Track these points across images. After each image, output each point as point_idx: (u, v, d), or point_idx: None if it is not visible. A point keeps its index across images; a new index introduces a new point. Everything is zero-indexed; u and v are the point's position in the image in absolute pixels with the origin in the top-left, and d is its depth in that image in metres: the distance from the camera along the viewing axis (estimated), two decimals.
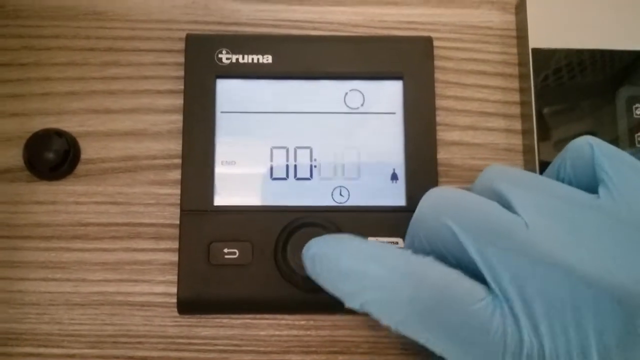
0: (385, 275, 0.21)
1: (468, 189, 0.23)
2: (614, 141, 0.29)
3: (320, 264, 0.22)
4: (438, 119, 0.30)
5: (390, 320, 0.21)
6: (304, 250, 0.23)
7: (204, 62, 0.29)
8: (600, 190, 0.21)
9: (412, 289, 0.20)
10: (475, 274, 0.20)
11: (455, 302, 0.19)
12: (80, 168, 0.29)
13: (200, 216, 0.28)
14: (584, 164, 0.22)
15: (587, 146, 0.22)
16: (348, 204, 0.29)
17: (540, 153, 0.29)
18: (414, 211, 0.23)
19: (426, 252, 0.22)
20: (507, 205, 0.21)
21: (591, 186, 0.22)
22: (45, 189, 0.29)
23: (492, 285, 0.20)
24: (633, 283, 0.18)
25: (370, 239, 0.28)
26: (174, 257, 0.28)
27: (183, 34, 0.30)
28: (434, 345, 0.20)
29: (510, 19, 0.32)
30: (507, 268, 0.19)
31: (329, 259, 0.22)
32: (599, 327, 0.18)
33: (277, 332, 0.28)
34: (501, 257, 0.19)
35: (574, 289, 0.18)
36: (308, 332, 0.28)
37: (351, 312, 0.27)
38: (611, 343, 0.18)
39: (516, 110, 0.31)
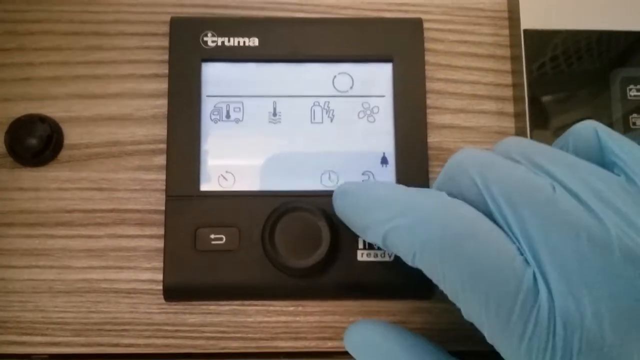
0: (419, 202, 0.21)
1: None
2: (609, 123, 0.29)
3: (353, 196, 0.24)
4: (428, 102, 0.29)
5: (410, 250, 0.21)
6: (336, 189, 0.25)
7: (189, 46, 0.29)
8: (616, 171, 0.21)
9: (443, 217, 0.20)
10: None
11: (483, 237, 0.19)
12: (63, 154, 0.29)
13: (186, 202, 0.27)
14: (588, 147, 0.22)
15: (591, 130, 0.22)
16: None
17: (533, 136, 0.28)
18: None
19: None
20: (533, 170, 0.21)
21: None
22: (28, 175, 0.28)
23: (518, 235, 0.19)
24: None
25: None
26: (160, 244, 0.27)
27: (168, 17, 0.29)
28: (448, 281, 0.20)
29: (501, 0, 0.31)
30: (533, 224, 0.19)
31: (361, 191, 0.24)
32: (613, 290, 0.18)
33: (265, 319, 0.27)
34: (528, 213, 0.19)
35: (592, 252, 0.18)
36: (297, 318, 0.27)
37: (340, 297, 0.27)
38: (624, 306, 0.18)
39: (508, 92, 0.30)
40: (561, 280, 0.18)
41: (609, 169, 0.21)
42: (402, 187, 0.23)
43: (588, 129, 0.22)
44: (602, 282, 0.18)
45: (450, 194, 0.22)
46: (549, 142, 0.24)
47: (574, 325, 0.18)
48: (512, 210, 0.20)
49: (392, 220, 0.21)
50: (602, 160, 0.21)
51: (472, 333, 0.21)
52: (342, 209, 0.24)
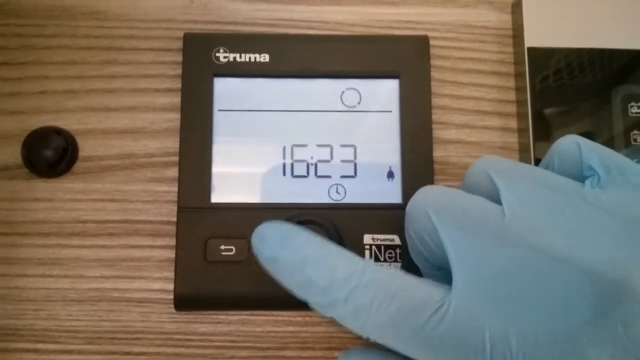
0: (350, 289, 0.21)
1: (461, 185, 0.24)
2: (610, 139, 0.29)
3: (283, 270, 0.22)
4: (434, 117, 0.30)
5: (362, 333, 0.21)
6: (254, 239, 0.22)
7: (202, 61, 0.29)
8: (586, 182, 0.22)
9: (376, 302, 0.20)
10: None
11: (415, 312, 0.20)
12: (78, 166, 0.29)
13: (197, 213, 0.28)
14: (571, 161, 0.22)
15: (573, 144, 0.22)
16: (344, 201, 0.29)
17: (536, 151, 0.29)
18: None
19: (415, 245, 0.22)
20: (496, 195, 0.21)
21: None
22: (43, 187, 0.29)
23: (455, 269, 0.20)
24: (608, 265, 0.18)
25: (366, 236, 0.28)
26: (171, 254, 0.28)
27: (181, 33, 0.30)
28: (407, 352, 0.20)
29: (506, 18, 0.32)
30: (474, 254, 0.20)
31: (292, 266, 0.22)
32: (566, 309, 0.18)
33: (273, 328, 0.28)
34: (470, 243, 0.20)
35: (541, 272, 0.19)
36: (304, 329, 0.28)
37: None
38: (580, 322, 0.18)
39: (512, 108, 0.31)
40: (505, 311, 0.19)
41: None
42: (331, 262, 0.22)
43: (570, 143, 0.23)
44: (550, 300, 0.19)
45: (411, 236, 0.23)
46: None
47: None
48: (456, 241, 0.20)
49: (333, 306, 0.21)
50: (582, 174, 0.22)
51: None
52: (270, 270, 0.22)
